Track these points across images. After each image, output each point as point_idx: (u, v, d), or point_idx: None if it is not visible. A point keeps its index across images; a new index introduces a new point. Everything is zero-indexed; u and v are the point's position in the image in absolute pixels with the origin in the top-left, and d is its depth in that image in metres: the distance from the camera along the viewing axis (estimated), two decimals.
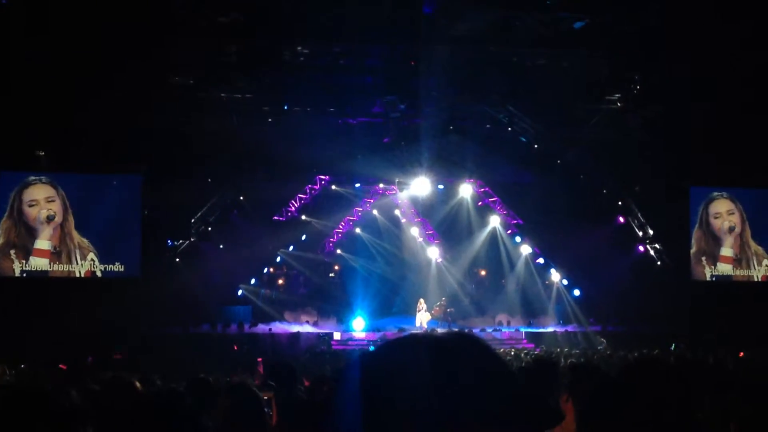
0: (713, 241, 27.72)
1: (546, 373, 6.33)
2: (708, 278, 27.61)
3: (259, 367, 16.78)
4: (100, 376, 9.78)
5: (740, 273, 27.79)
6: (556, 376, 6.42)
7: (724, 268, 27.73)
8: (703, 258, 27.69)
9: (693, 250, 27.63)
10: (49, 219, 23.92)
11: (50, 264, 24.06)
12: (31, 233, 23.94)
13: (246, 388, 5.87)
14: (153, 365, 16.72)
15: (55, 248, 24.08)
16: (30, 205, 23.89)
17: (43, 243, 23.98)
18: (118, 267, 24.67)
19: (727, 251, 27.72)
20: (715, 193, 27.77)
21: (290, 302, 30.69)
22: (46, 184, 24.15)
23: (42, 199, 24.00)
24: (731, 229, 27.64)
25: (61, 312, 22.06)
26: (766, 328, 22.44)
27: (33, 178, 24.05)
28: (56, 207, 24.07)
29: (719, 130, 24.22)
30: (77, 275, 24.26)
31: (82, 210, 24.55)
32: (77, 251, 24.25)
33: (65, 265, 24.19)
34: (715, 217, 27.69)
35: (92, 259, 24.39)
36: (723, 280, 27.61)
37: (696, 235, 27.65)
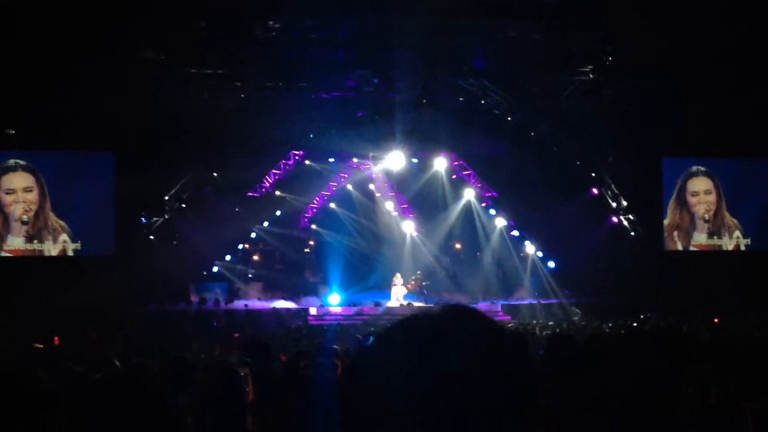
0: (689, 220, 28.04)
1: (520, 345, 6.35)
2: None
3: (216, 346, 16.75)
4: (77, 355, 9.75)
5: (712, 242, 28.10)
6: (528, 348, 6.43)
7: (695, 250, 28.10)
8: (676, 233, 27.98)
9: (666, 222, 27.89)
10: (24, 223, 23.91)
11: (23, 245, 24.05)
12: (6, 223, 23.91)
13: (224, 365, 5.87)
14: (129, 344, 16.68)
15: (27, 233, 24.05)
16: (7, 193, 23.85)
17: (16, 241, 23.99)
18: (91, 245, 24.61)
19: (701, 237, 28.10)
20: (694, 168, 28.03)
21: (266, 278, 30.66)
22: (25, 171, 24.07)
23: (20, 189, 23.97)
24: (706, 220, 27.94)
25: (34, 292, 21.99)
26: (738, 298, 22.73)
27: (12, 161, 23.94)
28: (33, 197, 24.04)
29: (692, 101, 24.34)
30: (48, 254, 24.21)
31: (55, 188, 24.45)
32: (51, 233, 24.19)
33: (36, 245, 24.13)
34: (692, 195, 27.96)
35: (64, 240, 24.33)
36: (694, 255, 27.94)
37: (671, 206, 27.93)
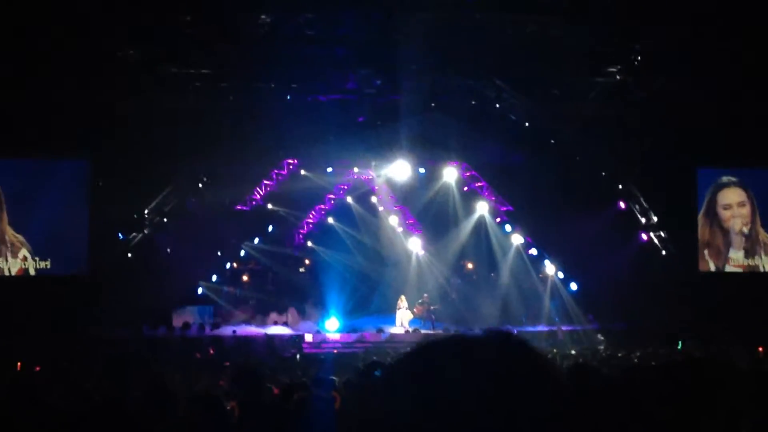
0: (722, 237, 27.66)
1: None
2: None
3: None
4: (48, 385, 9.78)
5: (750, 262, 27.86)
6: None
7: (733, 271, 27.73)
8: (707, 251, 27.67)
9: (699, 237, 27.72)
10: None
11: None
12: None
13: (210, 397, 5.89)
14: (105, 373, 16.67)
15: None
16: None
17: None
18: (63, 264, 24.61)
19: (737, 255, 27.70)
20: (725, 178, 27.76)
21: (256, 301, 30.68)
22: None
23: None
24: (744, 234, 27.63)
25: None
26: None
27: None
28: None
29: (729, 105, 24.30)
30: (6, 273, 24.20)
31: (20, 201, 24.46)
32: (9, 248, 24.19)
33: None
34: (725, 209, 27.62)
35: (24, 257, 24.32)
36: (731, 275, 27.67)
37: (700, 222, 27.62)
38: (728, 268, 27.72)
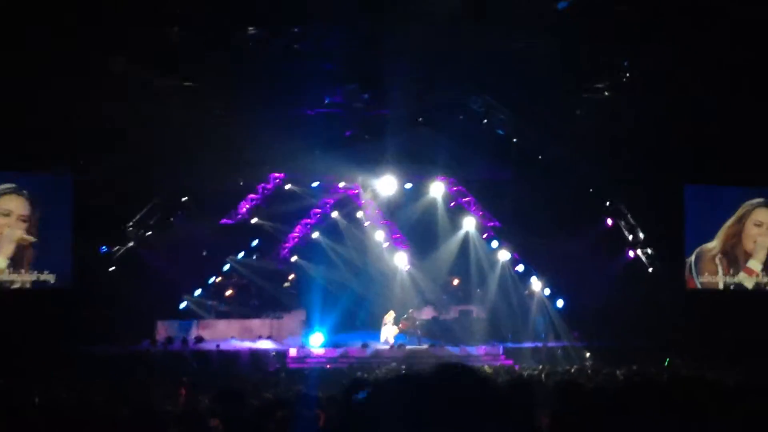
0: (743, 247, 28.02)
1: (523, 394, 6.37)
2: (720, 285, 27.85)
3: (181, 391, 16.64)
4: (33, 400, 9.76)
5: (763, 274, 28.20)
6: (533, 398, 6.44)
7: (743, 279, 28.02)
8: (721, 257, 27.89)
9: (712, 245, 27.78)
10: (32, 245, 24.04)
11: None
12: None
13: (194, 416, 5.89)
14: (88, 387, 16.62)
15: (9, 263, 24.09)
16: (2, 214, 23.96)
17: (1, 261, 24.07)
18: (46, 277, 24.52)
19: (755, 265, 28.28)
20: (757, 200, 28.05)
21: (240, 315, 30.55)
22: (26, 198, 24.17)
23: (16, 215, 24.08)
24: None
25: None
26: None
27: (7, 186, 24.07)
28: (28, 229, 24.19)
29: (718, 122, 24.35)
30: (17, 286, 24.27)
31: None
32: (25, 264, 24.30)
33: (8, 275, 24.17)
34: (756, 225, 28.04)
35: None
36: (737, 289, 27.91)
37: (725, 231, 27.88)
38: (741, 276, 27.95)
